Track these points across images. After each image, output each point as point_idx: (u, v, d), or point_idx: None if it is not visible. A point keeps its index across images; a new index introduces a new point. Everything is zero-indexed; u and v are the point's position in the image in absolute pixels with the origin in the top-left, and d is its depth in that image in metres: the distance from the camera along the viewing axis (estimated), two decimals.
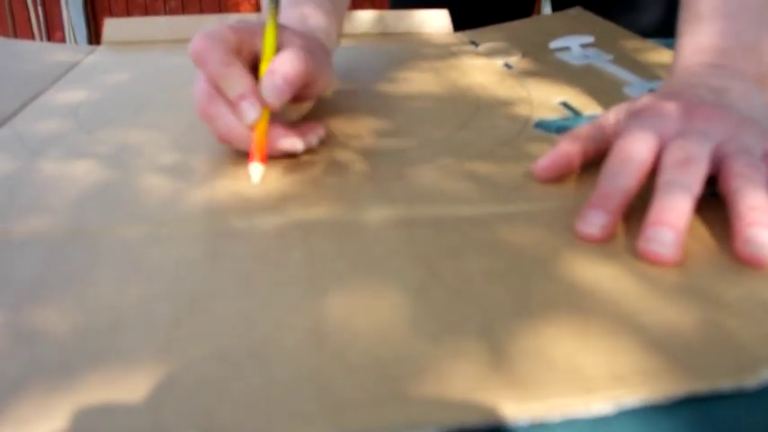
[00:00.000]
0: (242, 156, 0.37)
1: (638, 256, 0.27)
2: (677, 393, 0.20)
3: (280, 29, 0.38)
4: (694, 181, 0.28)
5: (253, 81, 0.35)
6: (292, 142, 0.36)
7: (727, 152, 0.30)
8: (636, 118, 0.33)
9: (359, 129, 0.42)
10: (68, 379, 0.21)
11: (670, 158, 0.29)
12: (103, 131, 0.42)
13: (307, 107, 0.40)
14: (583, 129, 0.35)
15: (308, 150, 0.38)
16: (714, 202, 0.30)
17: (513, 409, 0.19)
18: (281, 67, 0.35)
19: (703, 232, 0.29)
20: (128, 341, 0.22)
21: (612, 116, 0.35)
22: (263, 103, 0.34)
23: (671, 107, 0.32)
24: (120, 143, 0.40)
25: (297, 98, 0.37)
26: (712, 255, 0.27)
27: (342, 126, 0.43)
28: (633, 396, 0.20)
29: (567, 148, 0.34)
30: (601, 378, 0.20)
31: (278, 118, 0.37)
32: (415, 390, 0.20)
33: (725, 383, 0.20)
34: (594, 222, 0.28)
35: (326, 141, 0.40)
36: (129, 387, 0.20)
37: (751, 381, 0.20)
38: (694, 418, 0.20)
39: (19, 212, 0.32)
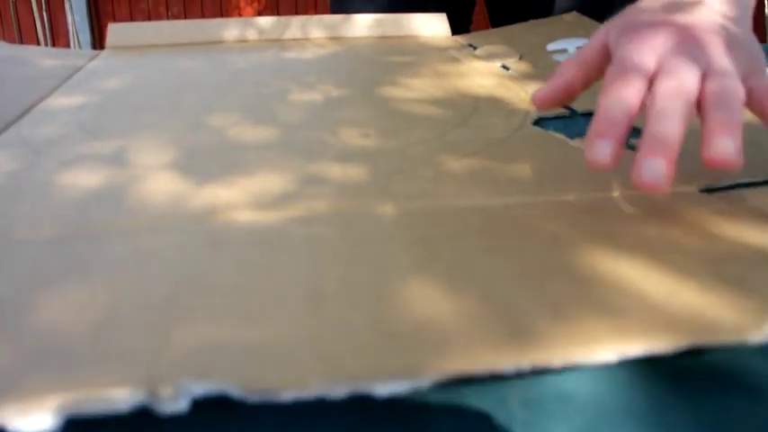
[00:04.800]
0: (243, 156, 0.37)
1: (633, 187, 0.28)
2: (680, 345, 0.20)
3: None
4: (685, 110, 0.29)
5: None
6: None
7: (711, 74, 0.31)
8: (629, 41, 0.33)
9: (359, 128, 0.43)
10: (69, 364, 0.21)
11: (662, 87, 0.30)
12: (106, 133, 0.43)
13: None
14: (584, 53, 0.36)
15: (309, 150, 0.39)
16: (702, 198, 0.30)
17: (514, 357, 0.20)
18: None
19: (697, 227, 0.29)
20: (124, 315, 0.23)
21: (604, 35, 0.36)
22: None
23: (662, 27, 0.33)
24: (123, 144, 0.41)
25: None
26: (709, 242, 0.28)
27: (342, 125, 0.43)
28: (636, 346, 0.20)
29: (569, 77, 0.35)
30: (604, 331, 0.21)
31: None
32: (414, 343, 0.20)
33: (728, 338, 0.21)
34: (604, 151, 0.29)
35: (327, 140, 0.41)
36: (126, 351, 0.20)
37: (755, 336, 0.21)
38: (696, 368, 0.20)
39: (22, 212, 0.32)
